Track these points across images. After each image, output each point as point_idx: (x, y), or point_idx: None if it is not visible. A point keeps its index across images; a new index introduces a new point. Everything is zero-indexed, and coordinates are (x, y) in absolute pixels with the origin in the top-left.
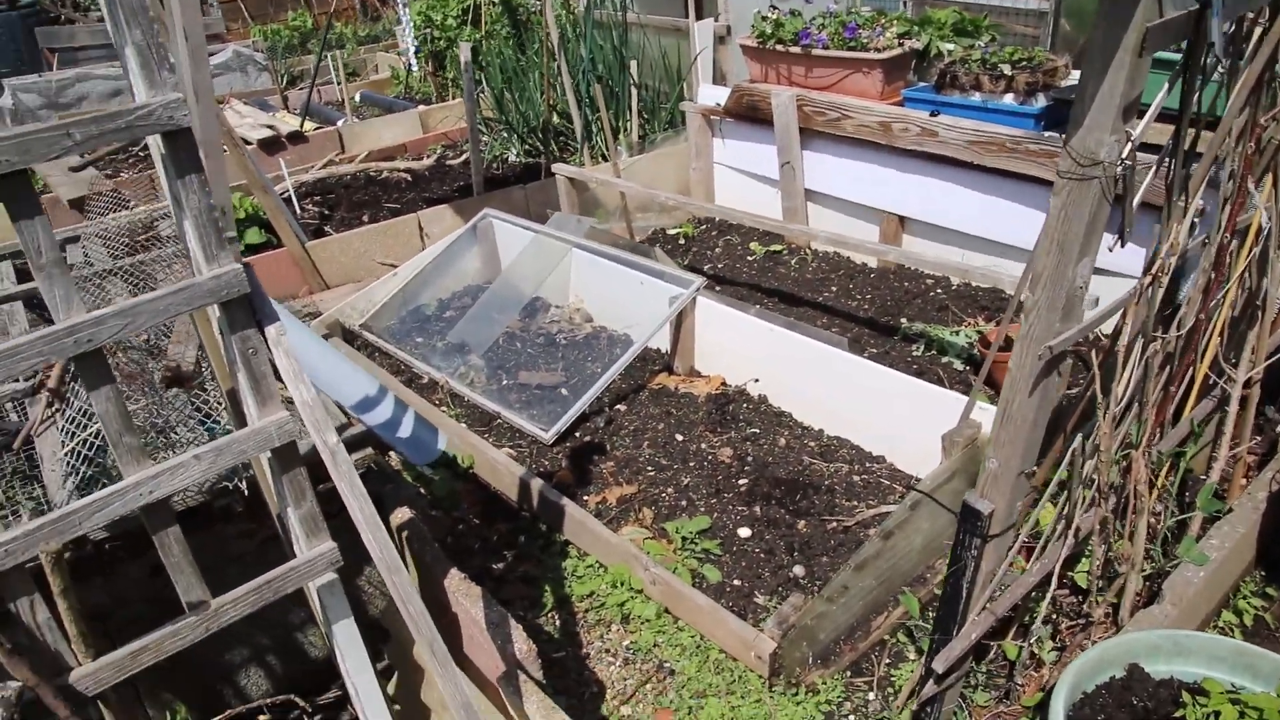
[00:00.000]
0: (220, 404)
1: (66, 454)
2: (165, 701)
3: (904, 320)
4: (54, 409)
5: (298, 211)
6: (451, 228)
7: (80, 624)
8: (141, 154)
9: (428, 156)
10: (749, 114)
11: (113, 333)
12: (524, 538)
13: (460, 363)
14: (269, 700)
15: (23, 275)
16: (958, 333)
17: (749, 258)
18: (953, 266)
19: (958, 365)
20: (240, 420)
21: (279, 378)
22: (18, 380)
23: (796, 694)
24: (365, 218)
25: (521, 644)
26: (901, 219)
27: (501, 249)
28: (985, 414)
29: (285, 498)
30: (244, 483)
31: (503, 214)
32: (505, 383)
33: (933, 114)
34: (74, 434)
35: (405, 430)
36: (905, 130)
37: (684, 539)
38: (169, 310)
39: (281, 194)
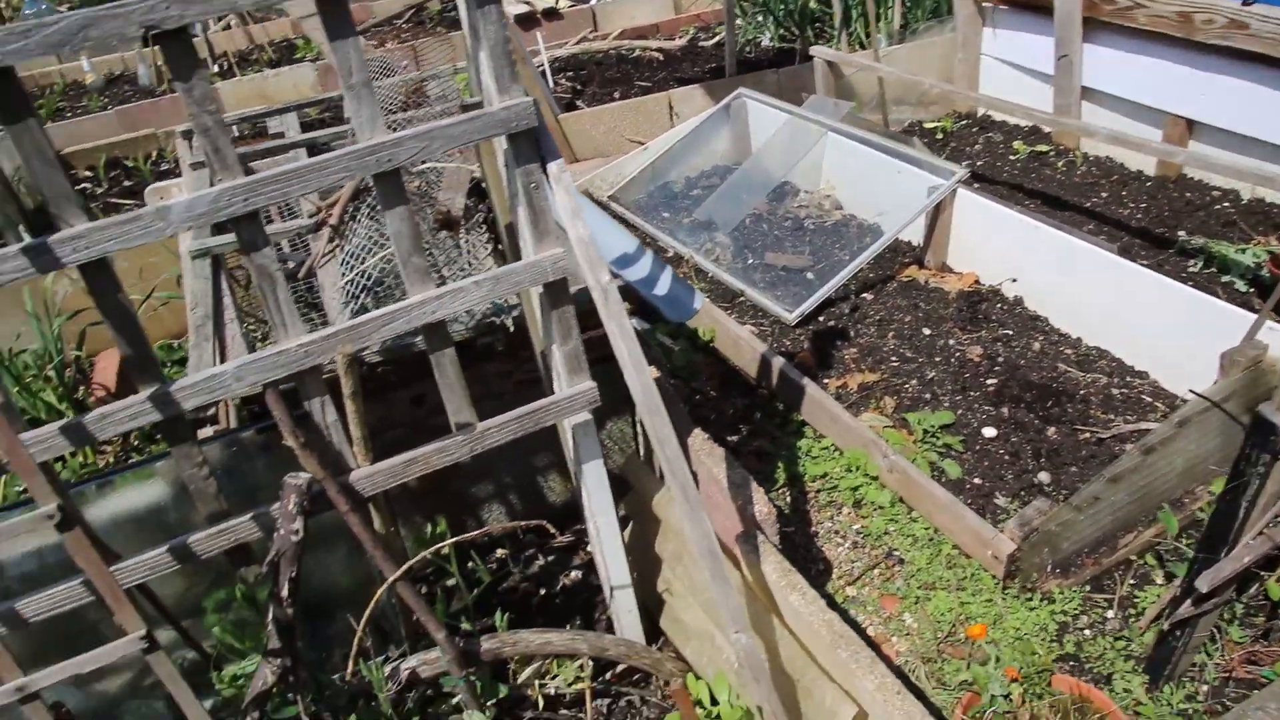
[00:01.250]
0: (485, 250)
1: (345, 284)
2: (416, 525)
3: (1181, 233)
4: (334, 244)
5: (551, 85)
6: (701, 108)
7: (363, 428)
8: (404, 26)
9: (680, 37)
10: (1026, 1)
11: (410, 154)
12: (759, 414)
13: (706, 239)
14: (523, 524)
15: (305, 127)
16: (1244, 250)
17: (1011, 157)
18: (1254, 173)
19: (1240, 286)
20: (515, 255)
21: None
22: (299, 217)
23: (1030, 600)
24: (616, 94)
25: (762, 506)
26: (1190, 123)
27: (753, 130)
28: (1275, 335)
29: (551, 334)
30: (510, 321)
31: (757, 94)
32: (750, 262)
33: (1246, 2)
34: (353, 266)
35: (663, 288)
36: (1209, 22)
37: (925, 431)
38: (463, 137)
39: (537, 68)
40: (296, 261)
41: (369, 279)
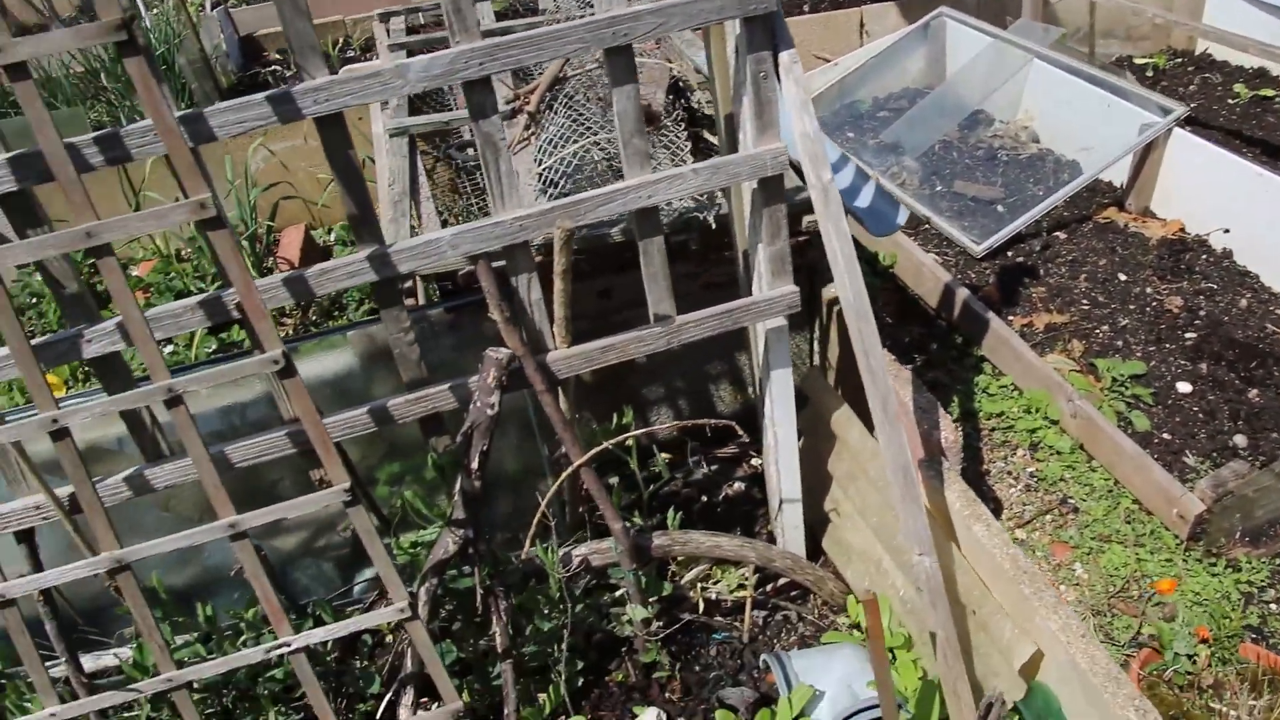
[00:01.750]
0: (685, 147)
1: (542, 170)
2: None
3: None
4: (530, 131)
5: None
6: (894, 27)
7: (567, 308)
8: None
9: None
10: None
11: (648, 29)
12: (936, 345)
13: (893, 162)
14: (713, 421)
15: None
16: None
17: (1230, 100)
18: None
19: None
20: (732, 148)
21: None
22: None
23: (1214, 565)
24: (805, 7)
25: (949, 433)
26: None
27: (950, 53)
28: None
29: (759, 232)
30: (713, 219)
31: (959, 14)
32: (938, 189)
33: None
34: (550, 153)
35: (865, 200)
36: None
37: (1114, 380)
38: (699, 16)
39: None
40: None
41: (568, 166)
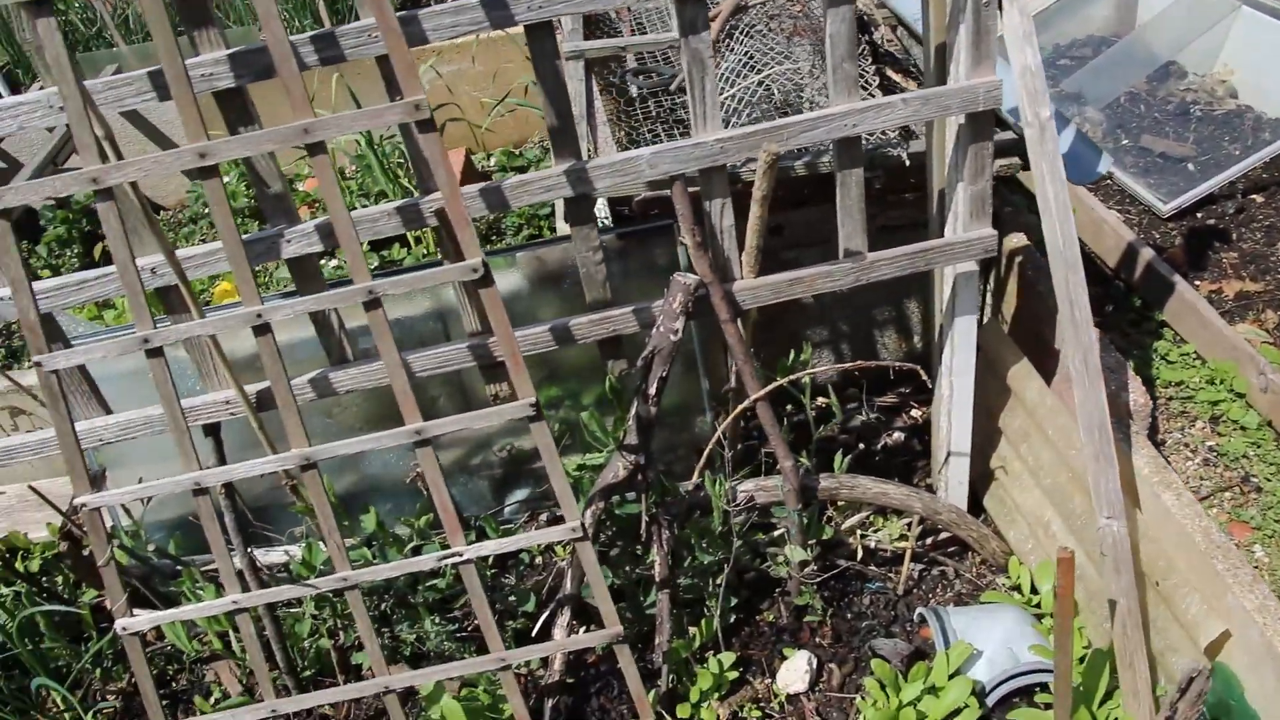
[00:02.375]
0: (873, 81)
1: (725, 99)
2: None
3: None
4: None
5: None
6: None
7: (759, 237)
8: None
9: None
10: None
11: None
12: (1111, 306)
13: (1074, 112)
14: (896, 365)
15: None
16: None
17: None
18: None
19: None
20: (939, 79)
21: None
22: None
23: None
24: None
25: (1138, 396)
26: None
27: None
28: None
29: (959, 171)
30: (906, 156)
31: None
32: (1123, 143)
33: None
34: (732, 83)
35: (1065, 144)
36: None
37: None
38: None
39: None
40: (666, 75)
41: (752, 96)
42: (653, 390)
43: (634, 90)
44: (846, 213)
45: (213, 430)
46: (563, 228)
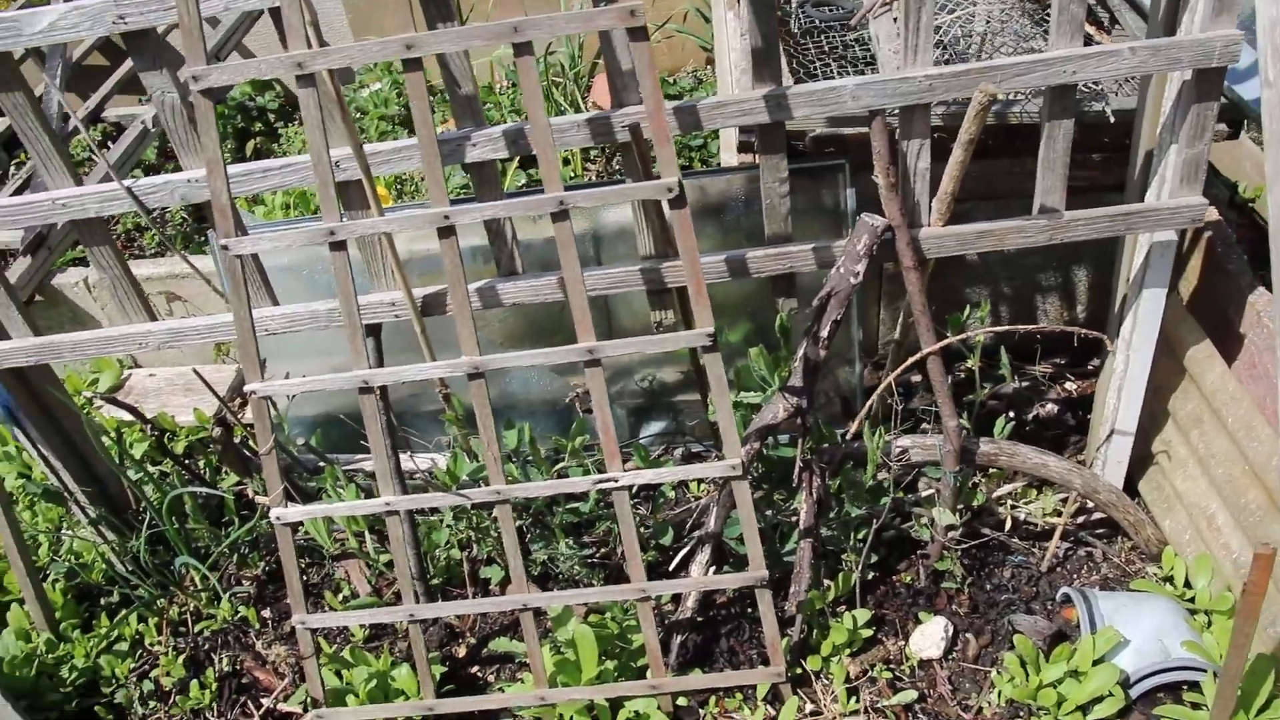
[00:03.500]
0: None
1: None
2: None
3: None
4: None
5: None
6: None
7: (956, 184)
8: None
9: None
10: None
11: None
12: None
13: None
14: (1082, 331)
15: None
16: None
17: None
18: None
19: None
20: (1169, 29)
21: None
22: None
23: None
24: None
25: None
26: None
27: None
28: None
29: (1174, 132)
30: (1110, 113)
31: None
32: None
33: None
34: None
35: None
36: None
37: None
38: None
39: None
40: (848, 6)
41: (945, 35)
42: (824, 333)
43: (799, 23)
44: (1048, 167)
45: (374, 331)
46: (726, 159)
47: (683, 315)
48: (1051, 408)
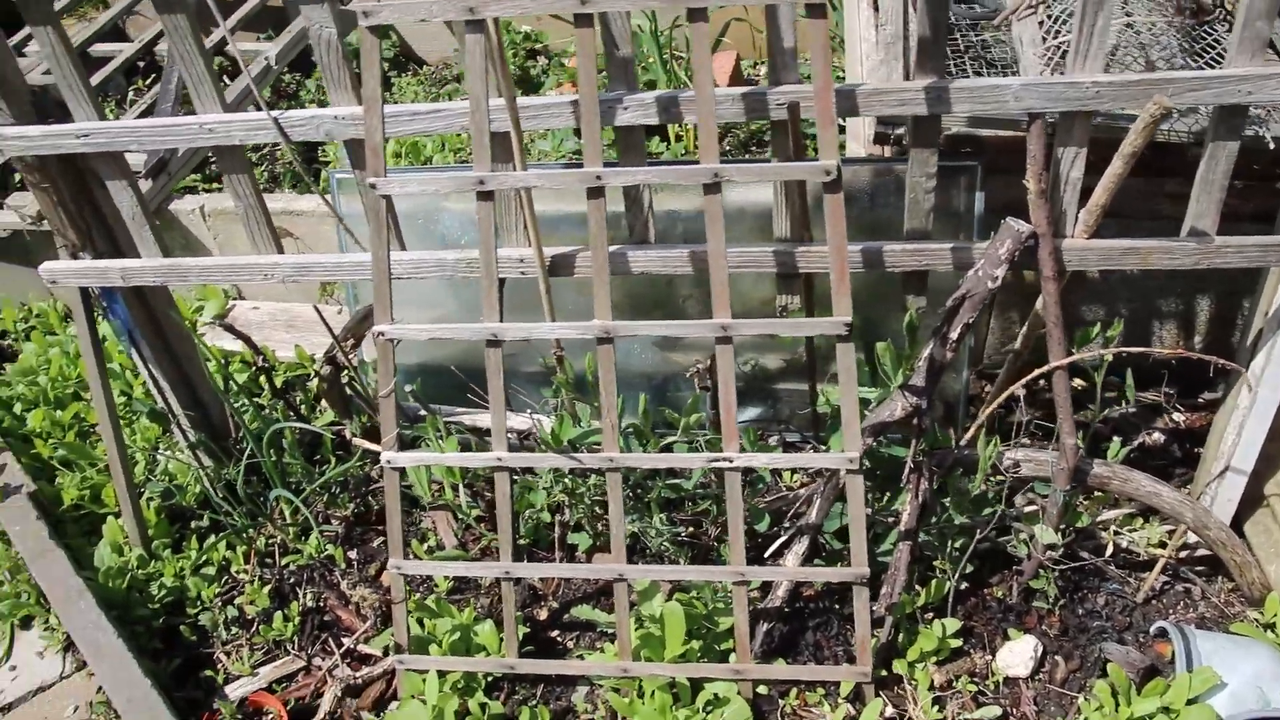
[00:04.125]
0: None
1: (1056, 43)
2: (1009, 321)
3: None
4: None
5: None
6: None
7: (1109, 196)
8: None
9: None
10: None
11: None
12: None
13: None
14: (1220, 361)
15: None
16: None
17: None
18: None
19: None
20: None
21: None
22: None
23: None
24: None
25: None
26: None
27: None
28: None
29: None
30: (1271, 139)
31: None
32: None
33: None
34: (1057, 33)
35: None
36: None
37: None
38: None
39: None
40: (990, 7)
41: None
42: (954, 335)
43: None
44: (1205, 188)
45: (499, 286)
46: (852, 149)
47: (805, 302)
48: (1159, 437)
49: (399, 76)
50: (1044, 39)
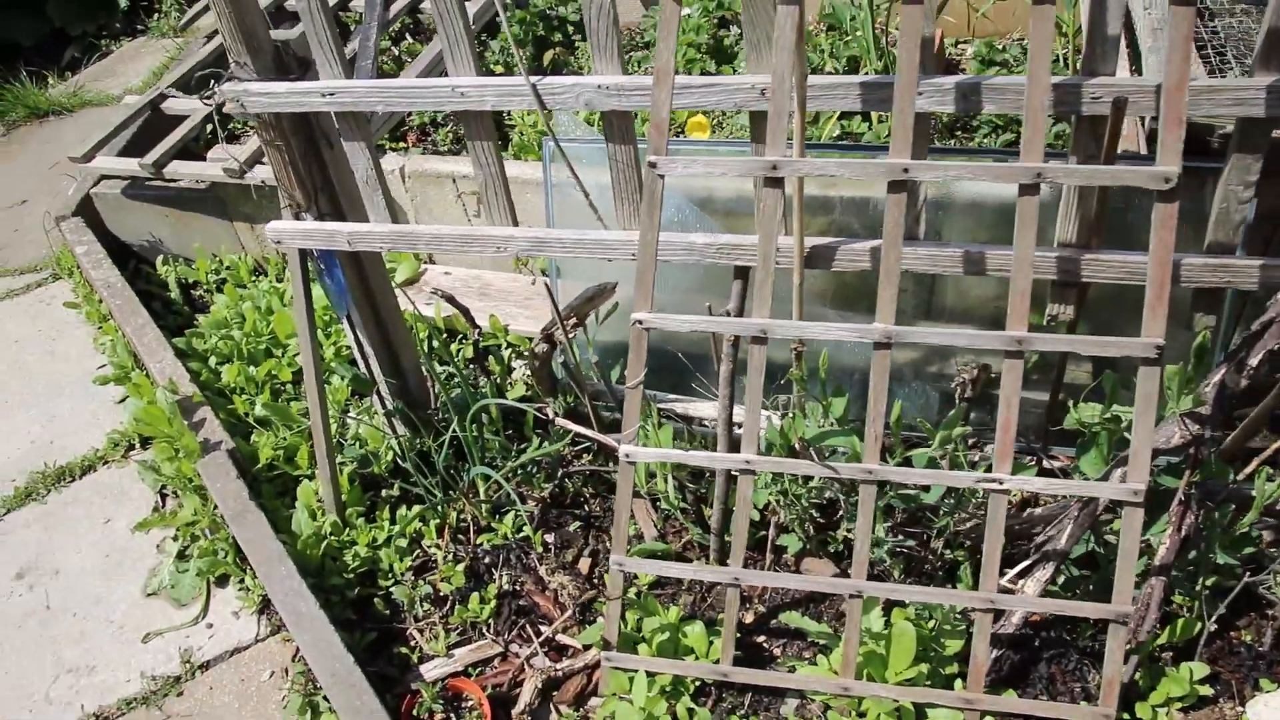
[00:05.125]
0: None
1: None
2: None
3: None
4: None
5: None
6: None
7: None
8: None
9: None
10: None
11: None
12: None
13: None
14: None
15: None
16: None
17: None
18: None
19: None
20: None
21: None
22: None
23: None
24: None
25: None
26: None
27: None
28: None
29: None
30: None
31: None
32: None
33: None
34: None
35: None
36: None
37: None
38: None
39: None
40: None
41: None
42: (1254, 362)
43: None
44: None
45: (742, 274)
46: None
47: (1076, 313)
48: None
49: (584, 40)
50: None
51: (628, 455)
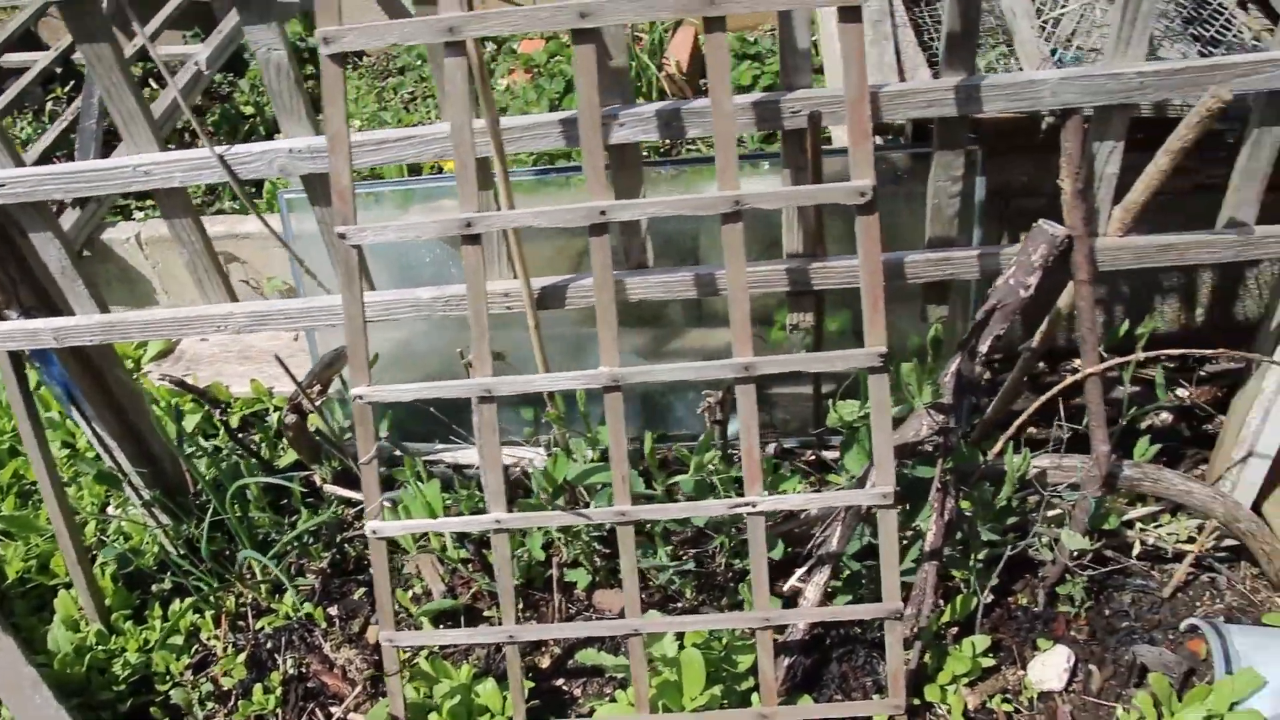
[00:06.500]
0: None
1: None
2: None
3: None
4: None
5: None
6: None
7: (1150, 194)
8: None
9: None
10: None
11: None
12: None
13: None
14: (1244, 355)
15: None
16: None
17: None
18: None
19: None
20: None
21: None
22: None
23: None
24: None
25: None
26: None
27: None
28: None
29: None
30: None
31: None
32: None
33: None
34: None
35: None
36: None
37: None
38: None
39: None
40: None
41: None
42: (984, 348)
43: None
44: (1246, 177)
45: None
46: (838, 138)
47: (816, 319)
48: (1166, 416)
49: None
50: (1038, 11)
51: (374, 531)
